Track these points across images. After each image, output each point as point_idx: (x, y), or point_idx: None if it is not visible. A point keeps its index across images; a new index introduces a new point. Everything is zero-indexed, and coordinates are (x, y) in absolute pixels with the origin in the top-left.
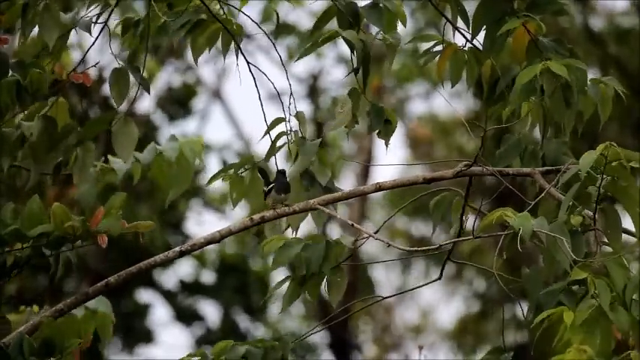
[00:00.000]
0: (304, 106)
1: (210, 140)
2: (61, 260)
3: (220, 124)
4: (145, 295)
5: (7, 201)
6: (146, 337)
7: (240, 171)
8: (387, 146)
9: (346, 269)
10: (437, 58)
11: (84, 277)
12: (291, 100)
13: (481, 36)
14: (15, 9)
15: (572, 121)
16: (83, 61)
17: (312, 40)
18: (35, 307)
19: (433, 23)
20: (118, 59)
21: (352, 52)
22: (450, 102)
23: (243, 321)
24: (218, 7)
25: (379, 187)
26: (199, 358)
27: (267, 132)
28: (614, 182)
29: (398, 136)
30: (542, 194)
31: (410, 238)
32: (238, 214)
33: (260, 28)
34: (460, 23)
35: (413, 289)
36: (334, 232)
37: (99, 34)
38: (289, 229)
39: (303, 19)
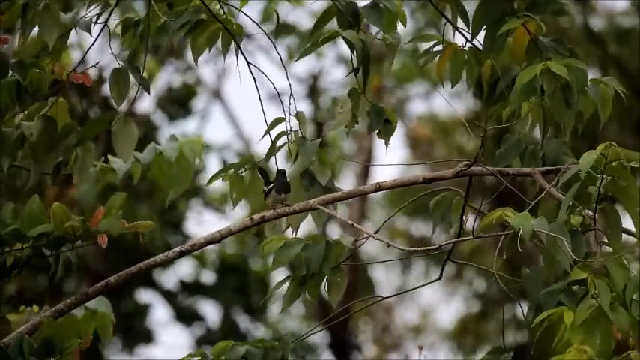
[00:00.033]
0: (304, 106)
1: (210, 140)
2: (61, 260)
3: (220, 124)
4: (145, 295)
5: (7, 201)
6: (146, 337)
7: (240, 171)
8: (387, 146)
9: (346, 269)
10: (437, 58)
11: (84, 277)
12: (291, 100)
13: (481, 36)
14: (15, 9)
15: (572, 121)
16: (83, 61)
17: (312, 40)
18: (35, 307)
19: (433, 23)
20: (118, 59)
21: (352, 52)
22: (450, 102)
23: (243, 321)
24: (218, 7)
25: (379, 187)
26: (199, 358)
27: (267, 132)
28: (614, 182)
29: (398, 136)
30: (542, 194)
31: (410, 238)
32: (238, 214)
33: (260, 28)
34: (460, 23)
35: (413, 289)
36: (334, 232)
37: (99, 34)
38: (289, 229)
39: (303, 19)
